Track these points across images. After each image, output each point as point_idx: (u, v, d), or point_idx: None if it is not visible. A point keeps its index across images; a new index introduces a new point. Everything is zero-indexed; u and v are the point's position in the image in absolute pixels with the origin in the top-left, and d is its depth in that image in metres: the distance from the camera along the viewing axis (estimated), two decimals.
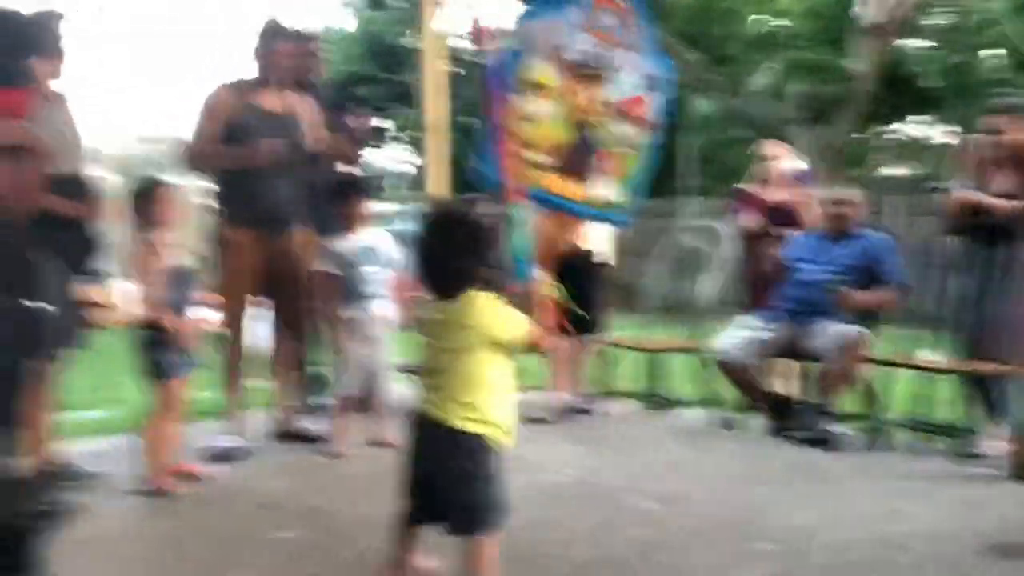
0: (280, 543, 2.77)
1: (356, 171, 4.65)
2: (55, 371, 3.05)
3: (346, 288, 3.85)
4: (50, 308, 2.52)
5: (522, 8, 3.58)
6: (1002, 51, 13.85)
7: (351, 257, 3.85)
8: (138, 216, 3.29)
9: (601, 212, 3.79)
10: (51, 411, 3.15)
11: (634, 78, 3.67)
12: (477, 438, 2.18)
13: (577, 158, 3.56)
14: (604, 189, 3.67)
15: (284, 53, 3.91)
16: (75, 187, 3.28)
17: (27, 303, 1.73)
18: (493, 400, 2.21)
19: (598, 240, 4.73)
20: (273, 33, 3.94)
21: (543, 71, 3.44)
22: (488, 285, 2.22)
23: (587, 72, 3.53)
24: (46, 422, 3.10)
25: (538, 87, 3.44)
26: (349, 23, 19.52)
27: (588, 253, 4.59)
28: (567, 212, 3.86)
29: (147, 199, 3.30)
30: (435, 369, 2.25)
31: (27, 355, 1.66)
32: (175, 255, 3.36)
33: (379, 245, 3.96)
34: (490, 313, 2.20)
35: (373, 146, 4.93)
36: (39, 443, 3.23)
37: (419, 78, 5.70)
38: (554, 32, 3.47)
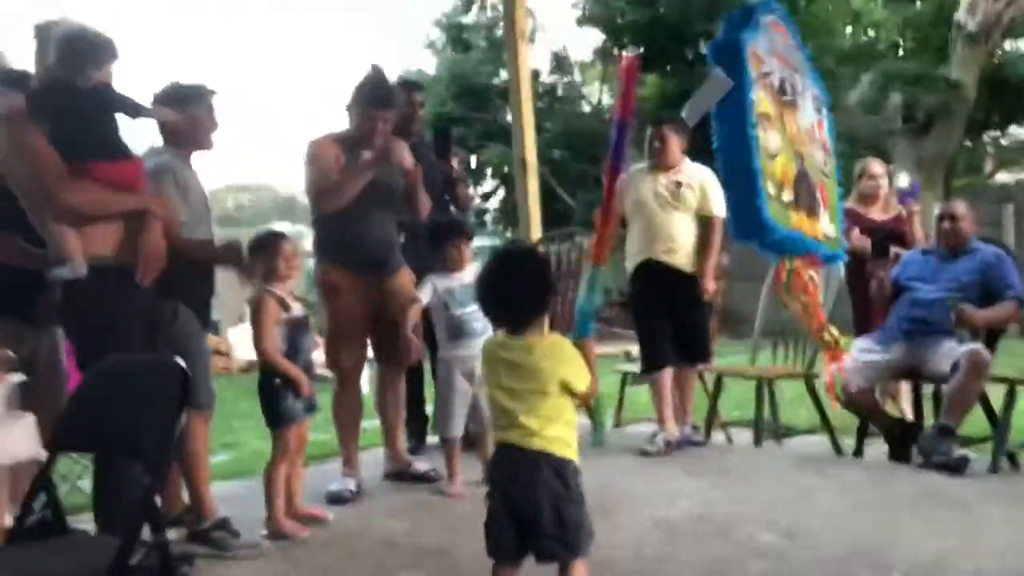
0: None
1: (456, 212, 4.75)
2: (195, 422, 3.16)
3: (452, 326, 3.91)
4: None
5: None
6: None
7: (456, 295, 3.91)
8: (256, 267, 3.42)
9: (832, 250, 3.50)
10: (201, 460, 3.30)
11: (809, 102, 3.45)
12: (563, 461, 2.27)
13: (806, 192, 3.27)
14: (826, 224, 3.40)
15: (383, 118, 3.88)
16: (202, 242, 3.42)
17: (175, 358, 1.83)
18: (568, 429, 2.32)
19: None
20: (376, 92, 3.92)
21: (762, 100, 3.12)
22: (551, 321, 2.31)
23: (787, 99, 3.29)
24: (199, 470, 3.26)
25: (766, 118, 3.12)
26: (428, 64, 20.03)
27: (694, 278, 4.53)
28: (816, 254, 3.40)
29: (265, 251, 3.43)
30: (509, 408, 2.31)
31: (179, 409, 1.75)
32: (292, 304, 3.48)
33: None
34: (561, 356, 2.32)
35: (472, 184, 5.01)
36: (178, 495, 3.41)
37: (507, 115, 5.80)
38: (757, 58, 3.15)
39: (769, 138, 3.08)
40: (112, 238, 2.96)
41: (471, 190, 5.02)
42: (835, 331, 3.45)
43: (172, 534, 3.21)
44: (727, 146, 3.08)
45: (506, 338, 2.36)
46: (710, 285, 4.54)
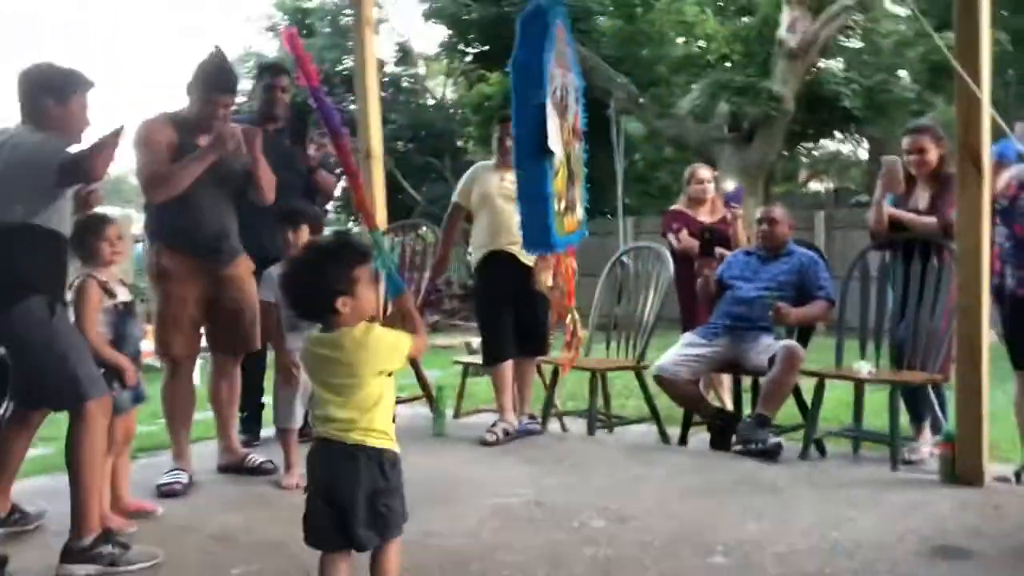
0: None
1: (319, 199, 4.67)
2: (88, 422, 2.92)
3: (288, 319, 3.83)
4: None
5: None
6: (916, 71, 14.47)
7: None
8: (80, 251, 3.24)
9: (579, 234, 3.70)
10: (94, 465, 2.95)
11: (573, 95, 3.58)
12: (380, 451, 2.25)
13: (570, 194, 3.48)
14: (580, 213, 3.63)
15: (224, 103, 3.74)
16: None
17: None
18: (386, 416, 2.30)
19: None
20: (218, 76, 3.78)
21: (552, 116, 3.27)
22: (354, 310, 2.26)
23: (563, 104, 3.42)
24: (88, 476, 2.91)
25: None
26: (270, 48, 19.47)
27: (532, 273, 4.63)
28: (575, 245, 3.69)
29: (89, 234, 3.25)
30: (326, 399, 2.28)
31: None
32: (117, 290, 3.31)
33: None
34: (372, 344, 2.26)
35: (332, 173, 4.89)
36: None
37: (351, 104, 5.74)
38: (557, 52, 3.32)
39: (555, 154, 3.27)
40: None
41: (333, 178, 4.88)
42: (577, 317, 3.69)
43: None
44: (525, 167, 3.28)
45: (320, 334, 2.31)
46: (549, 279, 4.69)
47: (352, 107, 17.35)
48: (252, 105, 4.82)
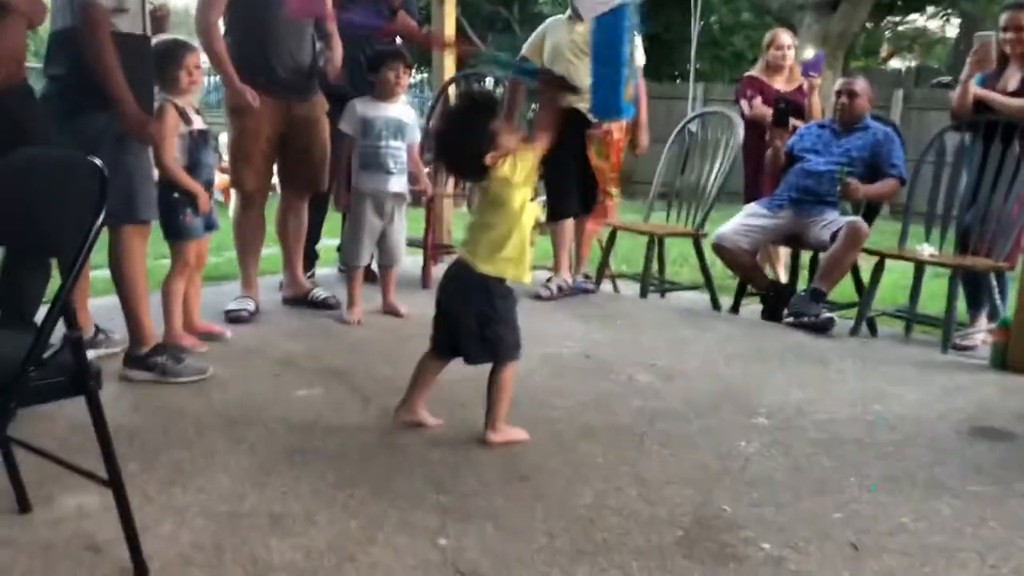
0: (305, 400, 2.93)
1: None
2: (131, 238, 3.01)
3: (365, 156, 3.89)
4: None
5: None
6: None
7: (375, 125, 3.87)
8: (158, 78, 3.29)
9: (631, 106, 3.61)
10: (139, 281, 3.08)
11: None
12: (494, 282, 2.52)
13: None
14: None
15: None
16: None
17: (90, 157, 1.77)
18: (515, 250, 2.53)
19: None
20: None
21: None
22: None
23: None
24: (135, 290, 3.06)
25: None
26: None
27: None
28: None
29: (168, 61, 3.29)
30: (472, 226, 2.60)
31: (98, 209, 1.71)
32: (193, 117, 3.38)
33: (404, 119, 3.98)
34: (508, 171, 2.48)
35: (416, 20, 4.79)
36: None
37: None
38: None
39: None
40: None
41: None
42: (616, 191, 3.68)
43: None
44: (604, 24, 3.16)
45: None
46: (644, 139, 4.72)
47: None
48: None
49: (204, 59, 3.82)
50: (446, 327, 2.60)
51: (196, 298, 3.63)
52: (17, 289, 2.85)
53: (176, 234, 3.41)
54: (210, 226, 3.54)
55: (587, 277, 4.95)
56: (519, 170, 2.48)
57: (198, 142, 3.41)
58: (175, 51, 3.35)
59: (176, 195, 3.34)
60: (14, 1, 2.65)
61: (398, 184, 3.94)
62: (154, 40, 3.27)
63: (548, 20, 4.83)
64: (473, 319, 2.51)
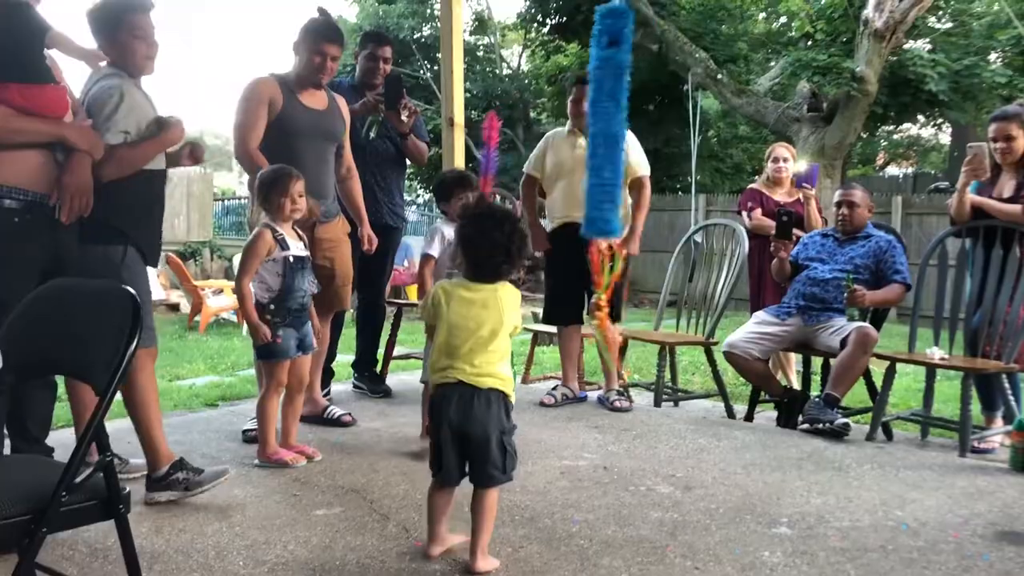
0: (324, 519, 2.92)
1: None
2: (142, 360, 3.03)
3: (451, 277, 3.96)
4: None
5: None
6: (1006, 54, 14.00)
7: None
8: (264, 203, 3.42)
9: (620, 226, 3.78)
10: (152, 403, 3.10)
11: None
12: (507, 396, 2.53)
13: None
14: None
15: (332, 53, 3.86)
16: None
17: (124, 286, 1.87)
18: (507, 366, 2.56)
19: None
20: (327, 27, 3.91)
21: None
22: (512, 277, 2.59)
23: None
24: (149, 413, 3.08)
25: None
26: (349, 12, 19.65)
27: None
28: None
29: (274, 187, 3.40)
30: (463, 346, 2.51)
31: (131, 336, 1.78)
32: (292, 244, 3.48)
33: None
34: (515, 300, 2.57)
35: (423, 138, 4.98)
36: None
37: (425, 72, 5.83)
38: None
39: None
40: (29, 169, 2.70)
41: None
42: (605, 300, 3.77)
43: None
44: (598, 155, 3.31)
45: (475, 283, 2.56)
46: (635, 247, 4.57)
47: (428, 75, 17.60)
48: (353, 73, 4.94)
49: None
50: (459, 450, 2.52)
51: (293, 419, 3.68)
52: (25, 413, 2.89)
53: (266, 355, 3.48)
54: (304, 347, 3.59)
55: (620, 393, 4.74)
56: (517, 304, 2.57)
57: (294, 268, 3.47)
58: (282, 178, 3.43)
59: (268, 316, 3.42)
60: (75, 139, 2.77)
61: None
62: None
63: (548, 133, 4.92)
64: (496, 435, 2.48)
